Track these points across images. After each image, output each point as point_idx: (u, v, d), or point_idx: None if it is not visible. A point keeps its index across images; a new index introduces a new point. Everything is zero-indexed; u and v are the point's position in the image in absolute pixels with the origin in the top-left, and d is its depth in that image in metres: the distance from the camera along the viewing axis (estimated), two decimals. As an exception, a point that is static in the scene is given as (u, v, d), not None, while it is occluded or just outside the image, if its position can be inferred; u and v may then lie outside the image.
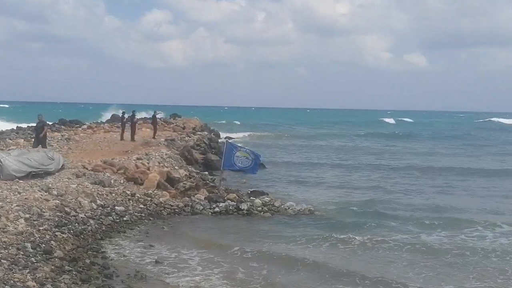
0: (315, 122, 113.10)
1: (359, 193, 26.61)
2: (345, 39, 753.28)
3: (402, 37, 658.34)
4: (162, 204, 20.61)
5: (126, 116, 36.68)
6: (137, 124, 37.86)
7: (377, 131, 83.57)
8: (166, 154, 28.36)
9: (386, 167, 37.21)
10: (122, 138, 34.86)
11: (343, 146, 56.38)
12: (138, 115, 47.80)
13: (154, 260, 14.35)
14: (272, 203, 21.71)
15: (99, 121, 55.31)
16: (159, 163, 25.59)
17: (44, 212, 15.46)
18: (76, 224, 15.91)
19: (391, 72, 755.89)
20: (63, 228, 15.02)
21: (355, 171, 34.91)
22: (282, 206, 21.50)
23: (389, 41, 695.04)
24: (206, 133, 49.15)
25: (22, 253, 12.23)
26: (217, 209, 20.86)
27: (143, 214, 19.22)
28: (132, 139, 34.46)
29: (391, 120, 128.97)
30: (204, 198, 21.85)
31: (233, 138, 54.46)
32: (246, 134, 68.64)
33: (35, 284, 10.91)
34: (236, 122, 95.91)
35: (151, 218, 19.07)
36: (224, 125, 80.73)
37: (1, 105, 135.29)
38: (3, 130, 40.76)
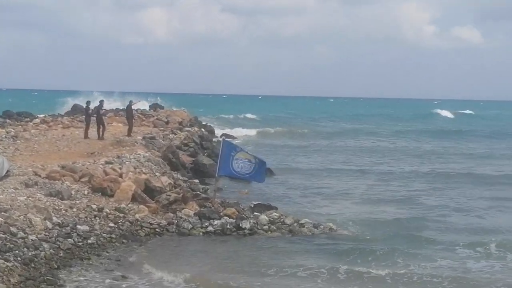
0: (339, 116, 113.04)
1: (393, 207, 26.65)
2: (377, 8, 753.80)
3: (450, 6, 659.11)
4: (139, 222, 20.53)
5: (91, 107, 36.70)
6: (105, 117, 37.89)
7: (427, 127, 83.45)
8: (144, 157, 28.34)
9: (429, 174, 37.13)
10: (86, 136, 34.90)
11: (376, 147, 56.34)
12: (107, 105, 47.85)
13: (127, 296, 14.29)
14: (282, 220, 21.72)
15: (56, 114, 55.30)
16: (134, 168, 25.55)
17: (-18, 233, 15.39)
18: (25, 248, 15.75)
19: (436, 50, 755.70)
20: (7, 254, 14.89)
21: (389, 180, 34.89)
22: (295, 223, 21.51)
23: (433, 11, 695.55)
24: (196, 129, 49.30)
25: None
26: (210, 228, 20.82)
27: (113, 236, 19.10)
28: (100, 136, 34.44)
29: (447, 113, 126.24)
30: (194, 213, 21.79)
31: (235, 139, 54.47)
32: (254, 131, 68.31)
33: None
34: (250, 115, 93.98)
35: (124, 241, 18.98)
36: (228, 121, 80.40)
37: None
38: None
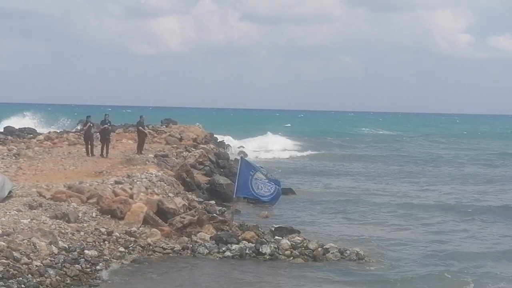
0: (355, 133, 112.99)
1: (428, 230, 26.53)
2: (408, 16, 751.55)
3: (486, 14, 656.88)
4: (151, 247, 20.65)
5: (91, 121, 36.77)
6: (110, 133, 37.94)
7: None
8: (156, 176, 28.43)
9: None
10: (89, 153, 35.16)
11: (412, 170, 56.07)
12: (114, 121, 47.78)
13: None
14: (305, 244, 21.70)
15: (61, 130, 55.60)
16: (146, 188, 25.65)
17: (-17, 258, 15.51)
18: (29, 275, 15.86)
19: (472, 61, 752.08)
20: (10, 281, 15.01)
21: (419, 198, 34.83)
22: (320, 248, 21.47)
23: (468, 19, 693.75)
24: (212, 146, 49.27)
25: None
26: (228, 253, 20.88)
27: (123, 261, 19.21)
28: (102, 153, 34.74)
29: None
30: (210, 237, 21.89)
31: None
32: (304, 153, 66.53)
33: None
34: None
35: (135, 265, 19.09)
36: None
37: None
38: None
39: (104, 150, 35.42)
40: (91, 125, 36.30)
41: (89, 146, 35.76)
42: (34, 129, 53.16)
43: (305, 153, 65.97)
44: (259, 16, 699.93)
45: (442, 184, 42.45)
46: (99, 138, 36.22)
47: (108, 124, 36.87)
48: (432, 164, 57.68)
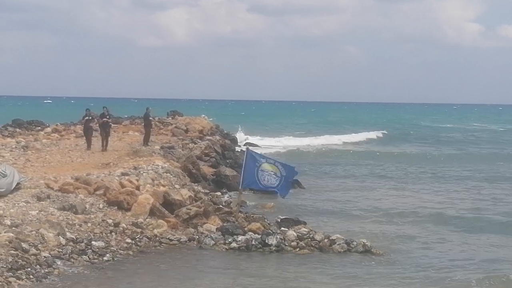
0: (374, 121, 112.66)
1: (432, 224, 26.47)
2: (415, 6, 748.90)
3: (495, 3, 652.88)
4: (158, 238, 20.74)
5: (91, 113, 36.64)
6: (111, 126, 37.83)
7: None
8: (162, 168, 28.45)
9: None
10: (89, 147, 34.97)
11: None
12: (120, 113, 47.60)
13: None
14: (311, 235, 21.68)
15: (69, 122, 55.61)
16: (152, 180, 25.69)
17: (-9, 249, 15.60)
18: (38, 266, 16.00)
19: (481, 50, 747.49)
20: (19, 272, 15.12)
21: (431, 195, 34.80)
22: (326, 239, 21.46)
23: (476, 8, 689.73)
24: (218, 137, 49.32)
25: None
26: (234, 244, 20.93)
27: (130, 252, 19.34)
28: (103, 147, 34.75)
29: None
30: (216, 229, 21.96)
31: (258, 147, 54.50)
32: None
33: None
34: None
35: (142, 255, 19.25)
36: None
37: None
38: None
39: (104, 143, 35.25)
40: (90, 117, 36.25)
41: (88, 139, 35.49)
42: (42, 122, 53.11)
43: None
44: (266, 7, 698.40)
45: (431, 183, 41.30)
46: (99, 131, 36.21)
47: (108, 117, 36.79)
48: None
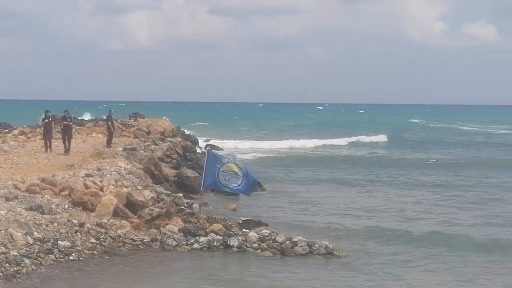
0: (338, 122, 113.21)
1: (391, 218, 27.34)
2: (378, 6, 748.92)
3: (460, 1, 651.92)
4: (121, 238, 21.04)
5: (50, 115, 36.22)
6: (72, 129, 37.80)
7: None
8: (125, 169, 28.69)
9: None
10: (47, 149, 34.56)
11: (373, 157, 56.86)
12: (82, 115, 47.47)
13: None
14: (273, 237, 21.83)
15: (35, 124, 55.43)
16: (115, 181, 25.93)
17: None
18: (7, 264, 16.37)
19: (446, 49, 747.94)
20: (-12, 270, 15.40)
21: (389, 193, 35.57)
22: (288, 241, 21.56)
23: (441, 6, 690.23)
24: (179, 139, 49.50)
25: None
26: (196, 245, 21.24)
27: (95, 252, 19.69)
28: (65, 149, 34.54)
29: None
30: (179, 230, 22.21)
31: (221, 149, 54.83)
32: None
33: None
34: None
35: (106, 257, 19.57)
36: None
37: None
38: None
39: (66, 146, 34.92)
40: (50, 120, 35.87)
41: (48, 142, 35.05)
42: (9, 124, 53.00)
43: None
44: (227, 9, 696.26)
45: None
46: (61, 134, 36.04)
47: (69, 119, 36.58)
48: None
